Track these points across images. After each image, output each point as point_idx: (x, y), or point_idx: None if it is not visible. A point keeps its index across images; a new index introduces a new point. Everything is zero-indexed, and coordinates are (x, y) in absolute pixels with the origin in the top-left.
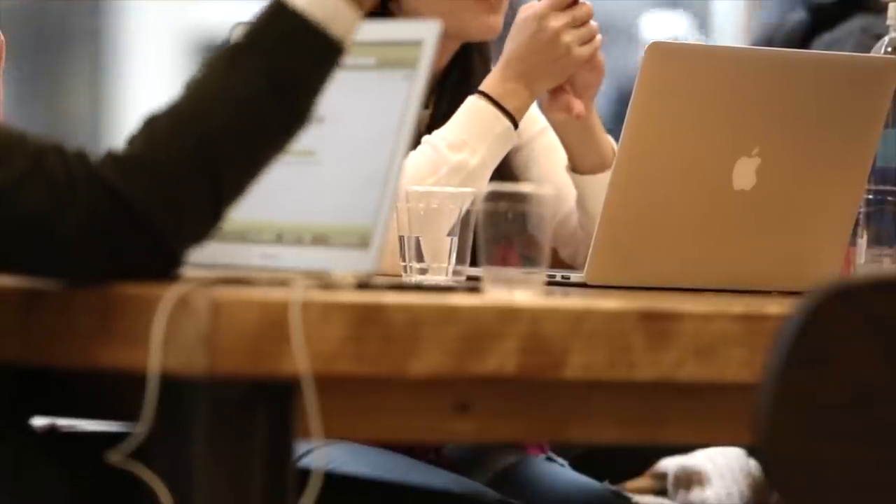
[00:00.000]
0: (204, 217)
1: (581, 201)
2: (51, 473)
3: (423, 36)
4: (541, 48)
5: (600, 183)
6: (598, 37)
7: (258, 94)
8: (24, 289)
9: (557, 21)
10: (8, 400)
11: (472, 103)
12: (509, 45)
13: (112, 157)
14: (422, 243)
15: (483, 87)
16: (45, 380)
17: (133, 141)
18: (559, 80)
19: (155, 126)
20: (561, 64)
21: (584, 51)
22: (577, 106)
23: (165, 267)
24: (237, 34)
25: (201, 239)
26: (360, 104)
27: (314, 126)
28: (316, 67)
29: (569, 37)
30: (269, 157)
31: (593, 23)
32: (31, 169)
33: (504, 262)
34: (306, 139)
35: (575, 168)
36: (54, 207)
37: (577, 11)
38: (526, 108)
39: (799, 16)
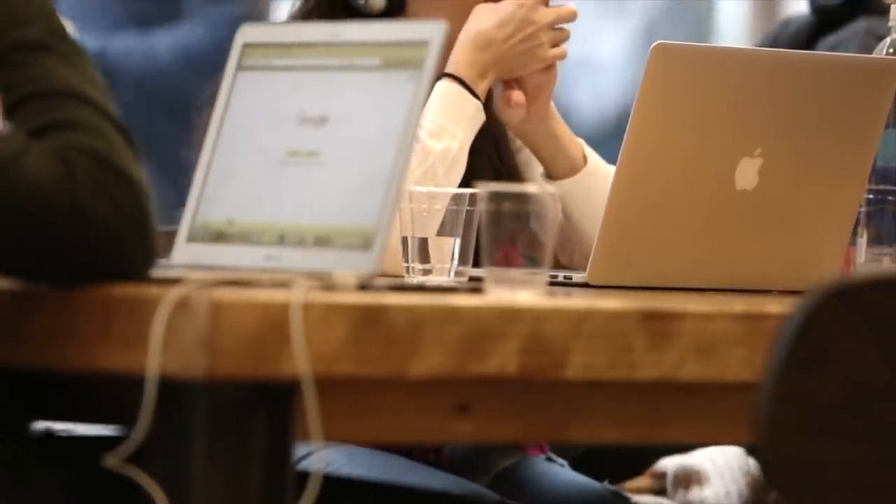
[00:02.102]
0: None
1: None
2: (47, 478)
3: (428, 36)
4: (520, 37)
5: (574, 186)
6: (565, 46)
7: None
8: (20, 291)
9: (544, 17)
10: (3, 404)
11: (443, 88)
12: (486, 22)
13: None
14: (420, 244)
15: (453, 68)
16: (42, 383)
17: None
18: (520, 72)
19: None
20: (529, 57)
21: (554, 52)
22: (515, 96)
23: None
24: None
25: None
26: (365, 105)
27: (319, 127)
28: None
29: (546, 35)
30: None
31: (567, 27)
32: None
33: (507, 262)
34: (311, 140)
35: (548, 175)
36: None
37: (562, 11)
38: (488, 88)
39: (804, 17)
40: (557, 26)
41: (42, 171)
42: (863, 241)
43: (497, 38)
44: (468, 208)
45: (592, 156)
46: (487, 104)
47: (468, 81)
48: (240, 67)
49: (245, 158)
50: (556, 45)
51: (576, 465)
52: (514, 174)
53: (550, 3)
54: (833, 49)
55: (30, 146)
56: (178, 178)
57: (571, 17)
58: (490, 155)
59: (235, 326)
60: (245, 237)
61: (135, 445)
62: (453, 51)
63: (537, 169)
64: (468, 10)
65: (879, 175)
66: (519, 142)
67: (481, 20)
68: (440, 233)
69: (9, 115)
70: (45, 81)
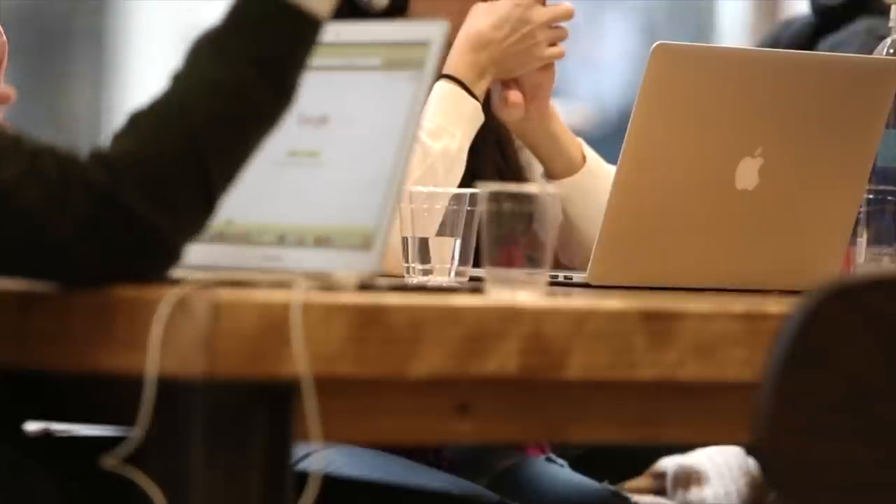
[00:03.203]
0: (197, 211)
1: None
2: (45, 479)
3: (429, 36)
4: (517, 37)
5: (571, 186)
6: (563, 45)
7: (246, 81)
8: (19, 291)
9: (541, 16)
10: (1, 404)
11: (441, 89)
12: (482, 23)
13: (100, 158)
14: (420, 244)
15: (451, 69)
16: (40, 384)
17: (119, 139)
18: (518, 72)
19: (141, 122)
20: (526, 56)
21: (552, 51)
22: (512, 96)
23: (163, 265)
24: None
25: (196, 232)
26: (366, 105)
27: (319, 127)
28: (298, 46)
29: (543, 35)
30: (259, 142)
31: (565, 25)
32: (26, 171)
33: (508, 262)
34: (311, 140)
35: (548, 174)
36: (50, 210)
37: (558, 10)
38: (486, 88)
39: (805, 17)
40: (554, 25)
41: (34, 202)
42: (863, 241)
43: (494, 38)
44: (468, 208)
45: (592, 155)
46: (487, 104)
47: (466, 82)
48: None
49: None
50: (553, 43)
51: (576, 465)
52: (519, 174)
53: (547, 2)
54: (833, 49)
55: (24, 172)
56: None
57: (568, 15)
58: (494, 155)
59: (235, 327)
60: (245, 237)
61: (134, 446)
62: (451, 51)
63: (537, 169)
64: (467, 11)
65: (879, 175)
66: (521, 143)
67: (478, 20)
68: (440, 233)
69: None
70: None
